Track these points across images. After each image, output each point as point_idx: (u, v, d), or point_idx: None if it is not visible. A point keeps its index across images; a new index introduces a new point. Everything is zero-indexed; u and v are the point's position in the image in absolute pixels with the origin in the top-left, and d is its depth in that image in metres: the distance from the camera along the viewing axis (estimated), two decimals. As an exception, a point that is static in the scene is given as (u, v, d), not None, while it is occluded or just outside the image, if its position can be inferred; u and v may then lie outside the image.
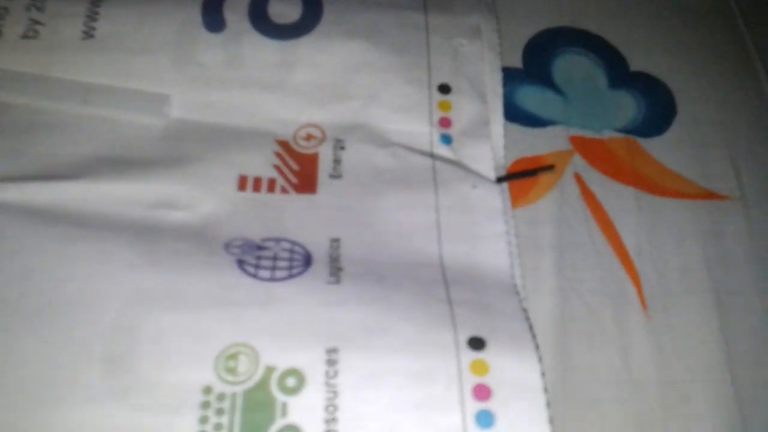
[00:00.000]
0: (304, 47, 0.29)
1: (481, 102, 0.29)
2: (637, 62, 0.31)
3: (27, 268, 0.23)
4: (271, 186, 0.27)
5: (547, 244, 0.26)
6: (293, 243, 0.25)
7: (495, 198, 0.26)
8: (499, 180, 0.27)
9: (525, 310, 0.23)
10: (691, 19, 0.33)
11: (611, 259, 0.26)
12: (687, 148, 0.29)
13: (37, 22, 0.30)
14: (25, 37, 0.29)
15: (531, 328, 0.22)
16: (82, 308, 0.22)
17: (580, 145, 0.29)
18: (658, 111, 0.30)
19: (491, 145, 0.27)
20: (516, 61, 0.31)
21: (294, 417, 0.20)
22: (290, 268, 0.24)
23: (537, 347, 0.22)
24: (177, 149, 0.27)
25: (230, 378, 0.21)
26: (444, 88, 0.29)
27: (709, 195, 0.28)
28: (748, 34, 0.33)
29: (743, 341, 0.25)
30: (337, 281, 0.23)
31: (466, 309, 0.22)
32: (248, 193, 0.26)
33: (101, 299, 0.22)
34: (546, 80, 0.31)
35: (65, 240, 0.24)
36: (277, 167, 0.27)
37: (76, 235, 0.24)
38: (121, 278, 0.23)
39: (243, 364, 0.21)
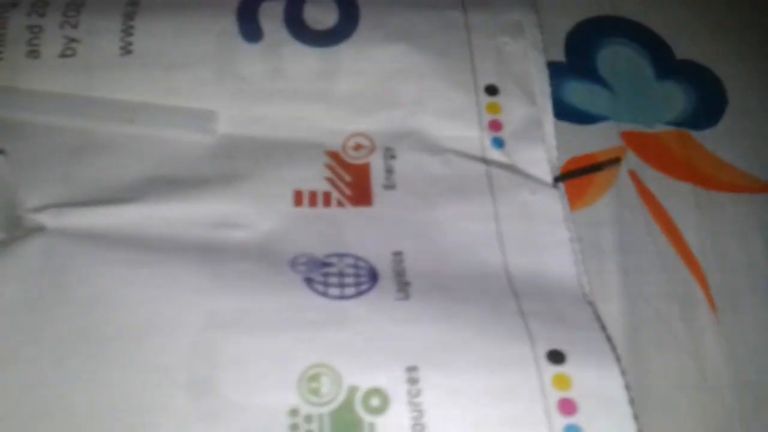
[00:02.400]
0: (344, 54, 0.29)
1: (531, 102, 0.28)
2: (682, 50, 0.31)
3: (96, 295, 0.23)
4: (327, 200, 0.26)
5: (609, 247, 0.26)
6: (356, 258, 0.25)
7: (555, 203, 0.26)
8: (557, 180, 0.27)
9: (600, 320, 0.23)
10: (735, 0, 0.33)
11: (675, 259, 0.26)
12: (742, 140, 0.29)
13: (73, 40, 0.29)
14: (62, 56, 0.29)
15: (609, 339, 0.22)
16: (158, 334, 0.22)
17: (633, 140, 0.29)
18: (708, 101, 0.30)
19: (545, 147, 0.27)
20: (559, 55, 0.31)
21: (381, 437, 0.20)
22: (357, 284, 0.24)
23: (618, 359, 0.22)
24: (228, 166, 0.27)
25: (315, 399, 0.21)
26: (491, 90, 0.29)
27: (769, 188, 0.28)
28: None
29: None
30: (406, 297, 0.23)
31: (540, 321, 0.22)
32: (305, 209, 0.26)
33: (175, 324, 0.22)
34: (591, 74, 0.30)
35: (130, 265, 0.24)
36: (330, 180, 0.27)
37: (141, 259, 0.24)
38: (192, 302, 0.23)
39: (326, 385, 0.21)
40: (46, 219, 0.25)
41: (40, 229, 0.25)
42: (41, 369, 0.22)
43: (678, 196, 0.27)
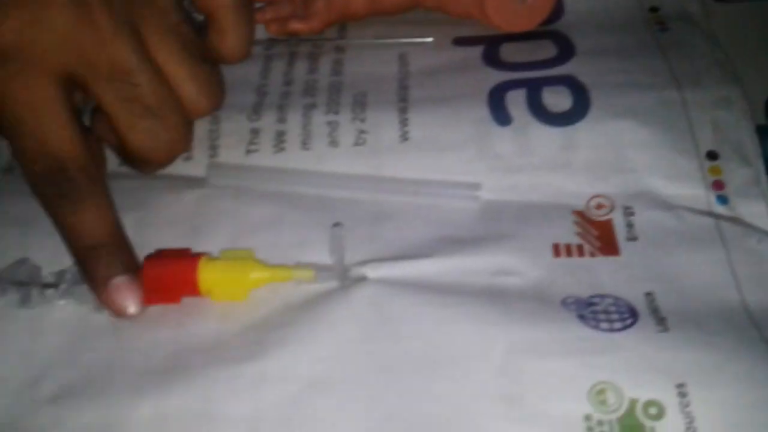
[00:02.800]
0: (582, 131, 0.36)
1: (747, 164, 0.34)
2: None
3: (416, 330, 0.31)
4: (580, 251, 0.33)
5: None
6: (616, 298, 0.31)
7: (789, 243, 0.31)
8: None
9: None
10: None
11: None
12: None
13: (363, 132, 0.38)
14: (356, 144, 0.37)
15: None
16: (472, 359, 0.29)
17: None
18: None
19: (765, 202, 0.33)
20: (760, 118, 0.36)
21: (662, 437, 0.26)
22: (622, 320, 0.30)
23: None
24: (495, 226, 0.34)
25: (603, 408, 0.27)
26: (711, 155, 0.35)
27: None
28: None
29: None
30: (665, 330, 0.29)
31: (784, 347, 0.28)
32: (563, 258, 0.33)
33: (484, 351, 0.29)
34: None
35: (439, 306, 0.31)
36: (580, 234, 0.34)
37: (445, 301, 0.31)
38: (492, 334, 0.30)
39: (611, 398, 0.28)
40: (368, 271, 0.33)
41: (363, 279, 0.33)
42: (382, 383, 0.30)
43: None
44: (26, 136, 0.33)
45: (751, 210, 0.33)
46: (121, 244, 0.34)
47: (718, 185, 0.34)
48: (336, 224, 0.34)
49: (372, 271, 0.33)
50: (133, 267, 0.33)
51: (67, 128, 0.33)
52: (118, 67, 0.33)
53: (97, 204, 0.34)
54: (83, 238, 0.34)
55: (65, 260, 0.35)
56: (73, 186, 0.33)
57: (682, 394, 0.27)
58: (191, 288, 0.33)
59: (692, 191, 0.34)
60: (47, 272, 0.35)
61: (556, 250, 0.33)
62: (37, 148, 0.33)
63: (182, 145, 0.37)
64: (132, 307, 0.33)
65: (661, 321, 0.30)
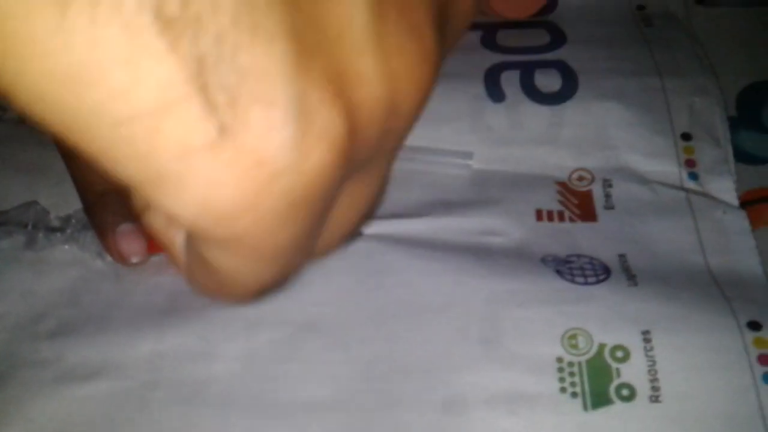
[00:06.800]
0: (569, 110, 0.39)
1: (717, 146, 0.37)
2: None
3: (404, 280, 0.33)
4: (561, 217, 0.36)
5: None
6: (591, 258, 0.33)
7: (744, 220, 0.34)
8: (742, 205, 0.35)
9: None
10: None
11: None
12: None
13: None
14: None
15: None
16: (455, 306, 0.32)
17: (797, 177, 0.36)
18: None
19: (732, 179, 0.36)
20: (731, 111, 0.39)
21: (626, 378, 0.29)
22: (596, 275, 0.32)
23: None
24: (484, 192, 0.37)
25: (574, 351, 0.30)
26: (686, 136, 0.37)
27: None
28: None
29: None
30: (635, 284, 0.32)
31: (739, 302, 0.31)
32: (545, 222, 0.36)
33: (467, 300, 0.32)
34: (758, 126, 0.39)
35: (428, 260, 0.34)
36: (561, 202, 0.36)
37: (434, 255, 0.34)
38: (475, 285, 0.32)
39: (581, 342, 0.30)
40: (364, 227, 0.36)
41: (359, 235, 0.36)
42: (370, 328, 0.32)
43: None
44: None
45: (718, 186, 0.36)
46: (129, 193, 0.37)
47: (690, 163, 0.37)
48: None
49: (368, 228, 0.36)
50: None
51: None
52: None
53: None
54: (94, 184, 0.36)
55: (72, 206, 0.37)
56: None
57: (647, 340, 0.30)
58: (196, 237, 0.35)
59: (667, 168, 0.37)
60: (53, 216, 0.37)
61: (539, 214, 0.36)
62: None
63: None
64: (136, 254, 0.35)
65: (631, 277, 0.32)
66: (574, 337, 0.30)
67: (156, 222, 0.19)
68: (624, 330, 0.30)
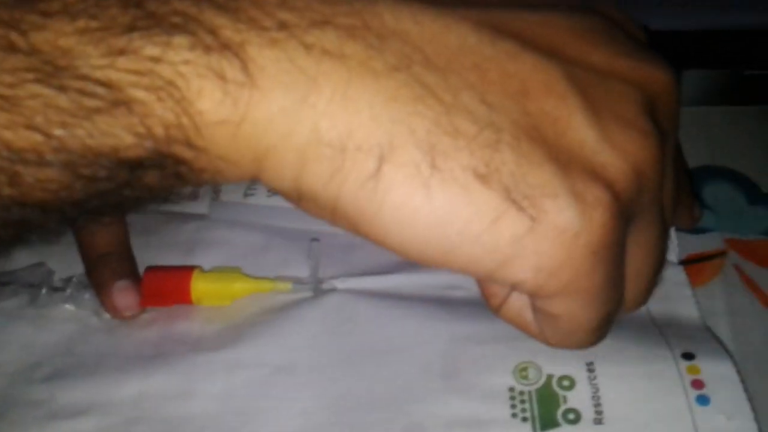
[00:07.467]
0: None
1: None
2: (765, 186, 0.43)
3: (373, 327, 0.36)
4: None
5: (720, 311, 0.37)
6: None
7: (682, 274, 0.37)
8: (682, 263, 0.38)
9: (719, 339, 0.33)
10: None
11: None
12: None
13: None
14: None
15: (726, 349, 0.33)
16: (419, 346, 0.35)
17: (734, 244, 0.40)
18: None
19: (673, 245, 0.39)
20: (674, 192, 0.44)
21: (572, 404, 0.31)
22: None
23: (734, 360, 0.32)
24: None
25: (525, 382, 0.32)
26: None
27: None
28: None
29: None
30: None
31: (675, 338, 0.33)
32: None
33: (430, 340, 0.35)
34: (700, 202, 0.43)
35: (395, 308, 0.37)
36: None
37: (399, 305, 0.37)
38: (438, 328, 0.35)
39: (532, 373, 0.32)
40: (338, 283, 0.39)
41: (334, 290, 0.39)
42: (340, 368, 0.35)
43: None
44: None
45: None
46: (128, 255, 0.41)
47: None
48: (314, 239, 0.40)
49: (341, 284, 0.39)
50: (135, 276, 0.39)
51: None
52: None
53: (116, 222, 0.41)
54: (97, 248, 0.40)
55: (75, 270, 0.41)
56: None
57: (591, 370, 0.32)
58: (184, 295, 0.39)
59: None
60: (58, 278, 0.41)
61: None
62: None
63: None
64: (130, 308, 0.38)
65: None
66: (525, 369, 0.33)
67: (510, 312, 0.30)
68: (570, 362, 0.33)
